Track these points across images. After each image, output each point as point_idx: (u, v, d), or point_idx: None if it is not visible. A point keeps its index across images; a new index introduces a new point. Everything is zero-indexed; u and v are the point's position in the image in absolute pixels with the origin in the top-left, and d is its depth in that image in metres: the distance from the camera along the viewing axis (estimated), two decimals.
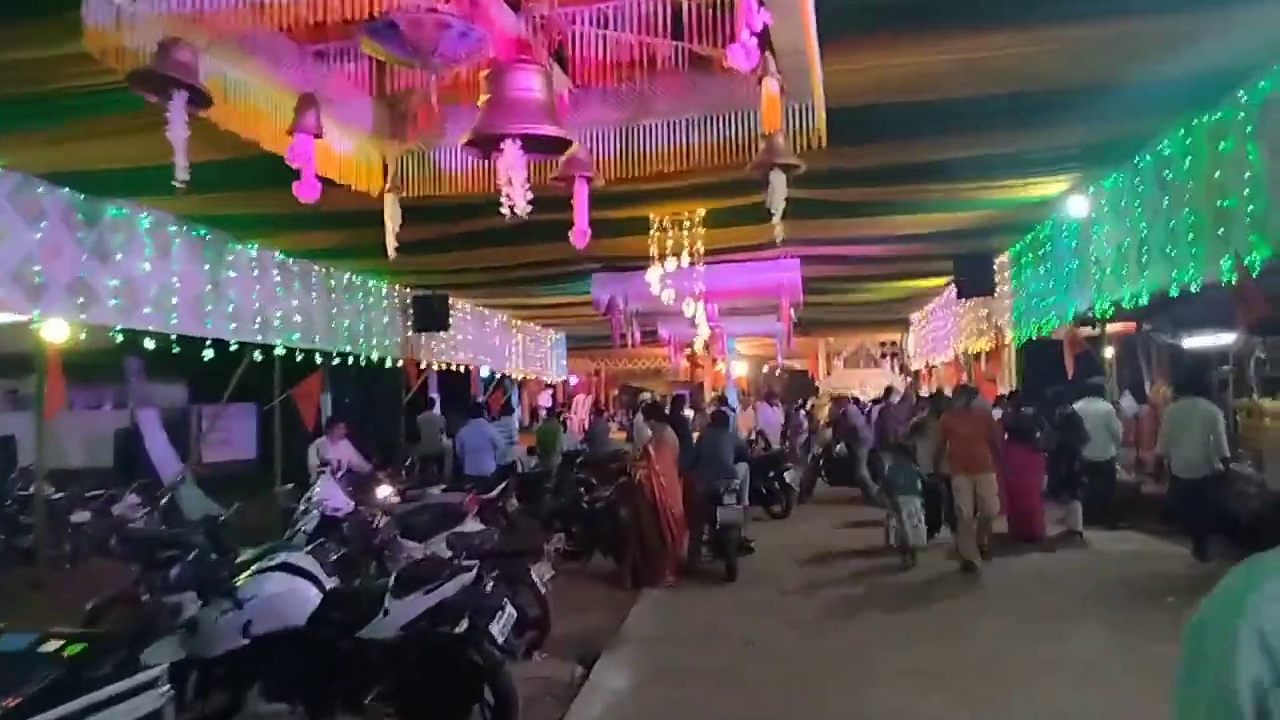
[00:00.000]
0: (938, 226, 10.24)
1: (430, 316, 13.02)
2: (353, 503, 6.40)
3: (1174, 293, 7.36)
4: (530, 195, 4.26)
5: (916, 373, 22.63)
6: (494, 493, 8.54)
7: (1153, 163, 7.21)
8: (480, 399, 16.31)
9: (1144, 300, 7.81)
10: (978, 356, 16.03)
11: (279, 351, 10.06)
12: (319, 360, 10.83)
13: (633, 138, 5.42)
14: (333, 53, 4.70)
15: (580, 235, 5.22)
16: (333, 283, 11.13)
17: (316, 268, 10.72)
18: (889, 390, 14.95)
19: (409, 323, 13.11)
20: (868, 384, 26.54)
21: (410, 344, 13.22)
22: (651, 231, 9.27)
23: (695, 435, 9.94)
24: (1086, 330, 10.90)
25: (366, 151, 5.61)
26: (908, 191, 8.70)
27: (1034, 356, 11.44)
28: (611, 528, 8.50)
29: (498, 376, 17.57)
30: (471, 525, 6.77)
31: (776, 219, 5.05)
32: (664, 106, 5.38)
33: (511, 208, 4.22)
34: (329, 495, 6.23)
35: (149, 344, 8.05)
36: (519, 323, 18.03)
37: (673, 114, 5.35)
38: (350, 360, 11.68)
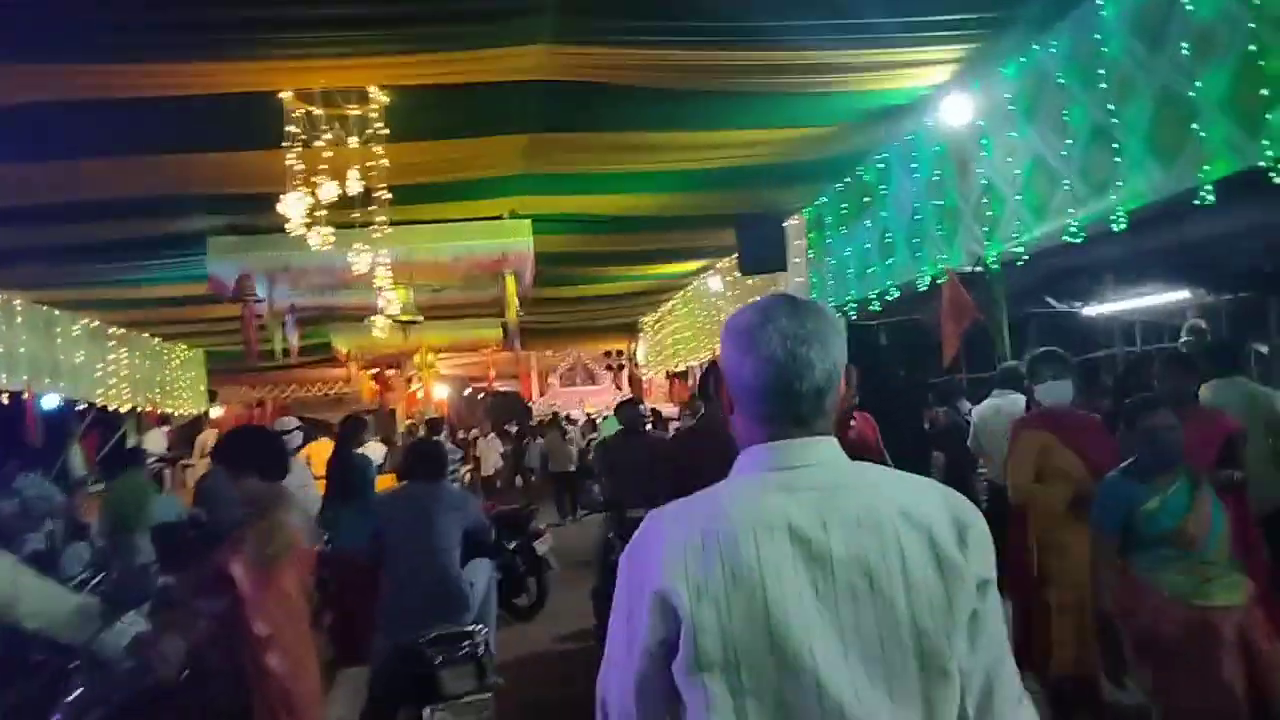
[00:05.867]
0: (725, 159, 7.06)
1: None
2: None
3: (1118, 227, 4.84)
4: None
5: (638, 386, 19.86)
6: None
7: (1112, 13, 4.55)
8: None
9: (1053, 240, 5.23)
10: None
11: None
12: None
13: None
14: None
15: None
16: None
17: None
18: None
19: None
20: (588, 402, 23.67)
21: None
22: (288, 127, 5.18)
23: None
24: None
25: None
26: (703, 61, 5.26)
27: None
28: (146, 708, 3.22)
29: (82, 409, 12.00)
30: None
31: None
32: None
33: None
34: None
35: None
36: (120, 331, 12.60)
37: None
38: None
